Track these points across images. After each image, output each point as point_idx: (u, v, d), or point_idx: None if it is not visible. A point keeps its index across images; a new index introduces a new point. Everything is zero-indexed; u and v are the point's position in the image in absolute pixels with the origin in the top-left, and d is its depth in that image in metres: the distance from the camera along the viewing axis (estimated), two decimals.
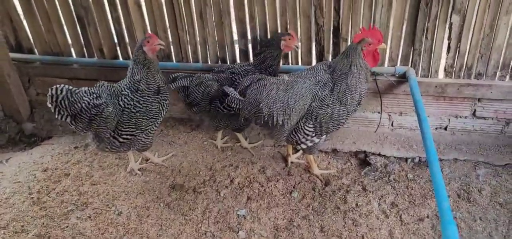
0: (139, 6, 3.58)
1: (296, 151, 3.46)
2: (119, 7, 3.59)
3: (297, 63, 3.61)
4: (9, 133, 4.01)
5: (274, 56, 3.21)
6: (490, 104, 3.38)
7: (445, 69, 3.38)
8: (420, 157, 3.36)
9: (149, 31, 3.66)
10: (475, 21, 3.12)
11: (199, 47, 3.70)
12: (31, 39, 3.97)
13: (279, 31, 3.45)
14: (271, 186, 3.19)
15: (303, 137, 2.95)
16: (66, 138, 3.90)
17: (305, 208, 3.01)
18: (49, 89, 2.74)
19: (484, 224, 2.80)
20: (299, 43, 3.32)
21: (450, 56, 3.30)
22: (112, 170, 3.44)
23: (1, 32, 3.82)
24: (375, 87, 3.45)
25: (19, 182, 3.32)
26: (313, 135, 2.93)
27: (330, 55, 3.49)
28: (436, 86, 3.36)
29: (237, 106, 2.88)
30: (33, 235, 2.85)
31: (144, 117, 2.99)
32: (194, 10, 3.51)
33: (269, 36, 3.49)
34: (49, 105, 2.78)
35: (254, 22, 3.48)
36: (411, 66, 3.40)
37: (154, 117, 3.05)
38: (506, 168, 3.23)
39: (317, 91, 2.79)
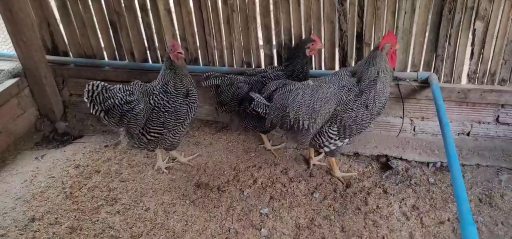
0: (169, 12, 3.73)
1: (318, 153, 3.53)
2: (150, 12, 3.75)
3: (320, 68, 3.69)
4: (44, 131, 4.22)
5: (304, 63, 3.32)
6: None
7: (468, 75, 3.39)
8: (441, 162, 3.38)
9: (178, 36, 3.81)
10: (499, 28, 3.14)
11: (225, 51, 3.82)
12: (66, 43, 4.17)
13: (303, 36, 3.55)
14: (293, 186, 3.27)
15: (327, 140, 3.02)
16: (96, 137, 4.07)
17: (326, 208, 3.07)
18: (86, 85, 2.93)
19: (506, 228, 2.81)
20: (323, 45, 3.41)
21: (473, 62, 3.32)
22: (140, 168, 3.58)
23: (39, 36, 4.04)
24: (398, 92, 3.50)
25: (53, 177, 3.50)
26: (337, 138, 3.00)
27: (353, 61, 3.56)
28: (458, 92, 3.38)
29: (264, 111, 2.98)
30: (66, 227, 3.01)
31: (172, 118, 3.13)
32: (221, 16, 3.64)
33: (293, 43, 3.59)
34: (85, 100, 2.95)
35: (279, 28, 3.58)
36: (433, 71, 3.43)
37: (182, 118, 3.18)
38: None
39: (342, 96, 2.87)
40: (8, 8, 3.69)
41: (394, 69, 2.97)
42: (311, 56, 3.44)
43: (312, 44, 3.29)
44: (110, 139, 3.96)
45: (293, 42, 3.61)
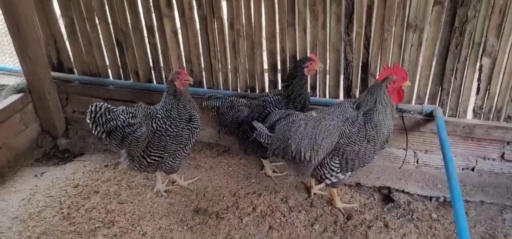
0: (176, 34, 3.74)
1: (319, 182, 3.48)
2: (156, 34, 3.77)
3: (324, 96, 3.67)
4: (45, 148, 4.20)
5: (302, 84, 3.28)
6: None
7: (473, 110, 3.36)
8: (445, 197, 3.32)
9: (184, 58, 3.81)
10: (506, 65, 3.11)
11: (230, 75, 3.82)
12: (72, 60, 4.18)
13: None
14: (293, 216, 3.22)
15: (329, 173, 2.98)
16: (97, 155, 4.05)
17: None
18: (90, 105, 2.92)
19: None
20: (322, 65, 3.33)
21: (479, 97, 3.29)
22: (139, 190, 3.55)
23: (45, 52, 4.06)
24: (402, 124, 3.46)
25: (51, 196, 3.47)
26: (339, 171, 2.96)
27: (358, 90, 3.54)
28: (464, 127, 3.35)
29: (266, 141, 2.95)
30: None
31: (173, 142, 3.10)
32: (227, 40, 3.64)
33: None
34: (88, 121, 2.93)
35: (285, 54, 3.57)
36: (439, 105, 3.41)
37: (183, 143, 3.16)
38: None
39: (345, 129, 2.83)
40: (16, 24, 3.72)
41: (396, 105, 2.92)
42: (308, 76, 3.35)
43: (311, 63, 3.23)
44: (111, 159, 3.94)
45: None
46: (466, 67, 3.20)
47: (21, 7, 3.68)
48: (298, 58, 3.53)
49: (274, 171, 3.71)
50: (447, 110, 3.40)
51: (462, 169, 3.55)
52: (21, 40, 3.79)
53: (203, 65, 3.84)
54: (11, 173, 3.81)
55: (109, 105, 2.98)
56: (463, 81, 3.26)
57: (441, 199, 3.34)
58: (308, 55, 3.41)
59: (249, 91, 3.82)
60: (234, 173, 3.76)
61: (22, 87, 4.06)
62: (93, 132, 2.98)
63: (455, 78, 3.26)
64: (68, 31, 3.99)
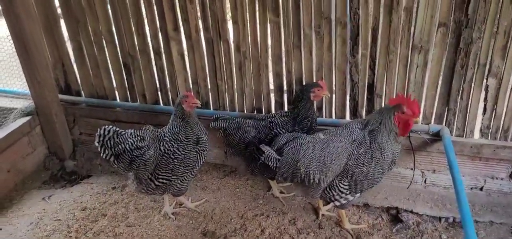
0: (182, 56, 3.77)
1: (327, 202, 3.47)
2: (163, 56, 3.80)
3: (331, 116, 3.68)
4: (52, 170, 4.21)
5: (307, 108, 3.29)
6: None
7: (481, 130, 3.36)
8: (454, 217, 3.31)
9: (190, 80, 3.84)
10: None
11: (236, 96, 3.84)
12: (79, 83, 4.22)
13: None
14: None
15: (338, 194, 2.98)
16: (104, 177, 4.05)
17: None
18: (98, 129, 2.94)
19: None
20: (329, 94, 3.37)
21: (486, 117, 3.30)
22: (147, 212, 3.54)
23: (53, 76, 4.09)
24: (409, 144, 3.46)
25: (59, 220, 3.47)
26: (348, 192, 2.96)
27: (364, 111, 3.56)
28: (471, 147, 3.35)
29: (275, 165, 2.95)
30: None
31: (181, 165, 3.11)
32: (233, 63, 3.67)
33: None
34: (96, 144, 2.95)
35: (291, 75, 3.60)
36: (445, 125, 3.41)
37: (191, 166, 3.16)
38: None
39: (353, 150, 2.84)
40: (24, 48, 3.76)
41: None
42: (314, 101, 3.35)
43: (318, 89, 3.24)
44: (118, 181, 3.94)
45: None
46: (472, 87, 3.21)
47: (30, 31, 3.72)
48: (304, 80, 3.56)
49: (281, 192, 3.70)
50: (454, 130, 3.41)
51: (471, 188, 3.53)
52: (30, 64, 3.82)
53: (209, 87, 3.87)
54: (19, 196, 3.80)
55: (117, 129, 3.00)
56: (470, 101, 3.27)
57: (451, 220, 3.33)
58: (317, 80, 3.45)
59: (255, 112, 3.84)
60: (241, 194, 3.75)
61: (30, 111, 4.09)
62: (102, 155, 2.99)
63: (461, 98, 3.27)
64: (76, 55, 4.03)
